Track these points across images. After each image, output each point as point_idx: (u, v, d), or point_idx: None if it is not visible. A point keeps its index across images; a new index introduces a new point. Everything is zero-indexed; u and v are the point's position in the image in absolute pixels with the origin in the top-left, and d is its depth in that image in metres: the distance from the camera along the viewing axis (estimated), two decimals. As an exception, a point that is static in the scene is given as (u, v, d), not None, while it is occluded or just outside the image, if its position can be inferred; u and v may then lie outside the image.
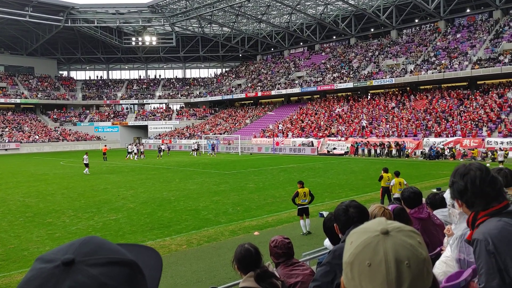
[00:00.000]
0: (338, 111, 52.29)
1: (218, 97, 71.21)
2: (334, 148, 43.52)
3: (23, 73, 75.71)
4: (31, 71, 77.20)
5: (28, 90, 71.39)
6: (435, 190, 13.81)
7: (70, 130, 68.81)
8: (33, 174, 28.82)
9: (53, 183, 23.69)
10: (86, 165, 28.29)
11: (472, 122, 38.36)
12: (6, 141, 59.89)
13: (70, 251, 0.74)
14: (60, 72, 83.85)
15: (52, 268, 0.71)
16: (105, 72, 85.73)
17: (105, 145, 44.61)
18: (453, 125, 39.37)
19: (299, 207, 11.67)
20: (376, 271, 0.89)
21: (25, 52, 76.90)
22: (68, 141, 64.73)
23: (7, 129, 63.18)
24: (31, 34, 70.95)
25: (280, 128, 53.88)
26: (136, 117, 74.35)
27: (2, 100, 66.88)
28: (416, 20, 58.63)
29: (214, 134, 59.31)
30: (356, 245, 0.93)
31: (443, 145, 36.47)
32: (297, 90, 59.79)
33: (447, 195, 2.77)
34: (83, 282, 0.69)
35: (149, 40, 72.23)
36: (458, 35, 51.17)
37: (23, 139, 61.23)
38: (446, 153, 35.47)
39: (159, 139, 65.20)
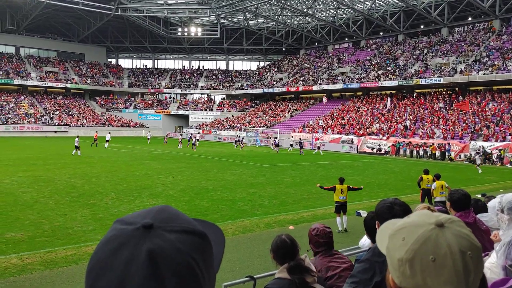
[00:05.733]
0: (385, 107, 50.80)
1: (259, 90, 71.34)
2: (373, 148, 42.66)
3: (74, 59, 78.97)
4: (82, 58, 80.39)
5: (78, 76, 74.42)
6: (479, 196, 13.25)
7: (115, 116, 71.26)
8: (79, 156, 30.09)
9: (97, 166, 24.65)
10: (77, 147, 30.66)
11: (524, 127, 36.44)
12: (56, 123, 62.79)
13: (149, 217, 0.80)
14: (109, 59, 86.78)
15: (133, 230, 0.77)
16: (150, 61, 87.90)
17: (96, 132, 46.95)
18: (503, 129, 37.54)
19: (337, 204, 11.55)
20: (442, 265, 0.85)
21: (77, 39, 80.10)
22: (113, 126, 67.07)
23: (57, 112, 66.21)
24: (83, 21, 73.77)
25: (320, 124, 53.36)
26: (178, 107, 75.88)
27: (54, 84, 70.11)
28: (470, 18, 56.10)
29: (253, 127, 59.60)
30: (412, 240, 0.88)
31: (490, 149, 34.89)
32: (339, 86, 58.88)
33: (492, 203, 2.66)
34: (161, 245, 0.75)
35: (195, 31, 73.30)
36: (514, 35, 48.60)
37: (71, 123, 63.99)
38: (494, 158, 33.95)
39: (200, 129, 66.28)
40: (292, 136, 45.01)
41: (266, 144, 50.99)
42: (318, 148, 40.10)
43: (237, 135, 50.96)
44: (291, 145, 42.91)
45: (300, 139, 42.73)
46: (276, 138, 44.25)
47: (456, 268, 0.84)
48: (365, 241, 4.32)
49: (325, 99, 59.45)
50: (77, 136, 32.05)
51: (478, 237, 3.52)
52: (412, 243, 0.88)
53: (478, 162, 28.54)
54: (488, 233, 3.37)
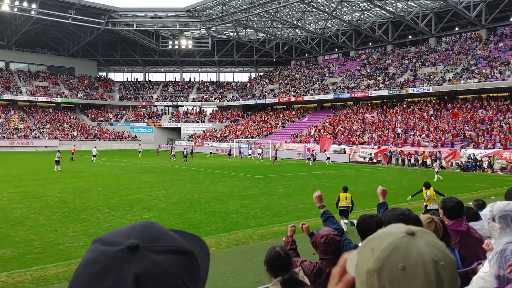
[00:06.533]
0: (367, 118, 51.52)
1: (251, 101, 71.55)
2: (365, 157, 42.88)
3: (64, 73, 78.67)
4: (72, 72, 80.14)
5: (68, 90, 74.09)
6: (471, 203, 13.34)
7: (107, 129, 70.87)
8: (70, 171, 29.82)
9: (88, 180, 24.43)
10: (57, 162, 30.27)
11: (513, 134, 36.87)
12: (46, 138, 62.28)
13: (133, 236, 0.74)
14: (100, 73, 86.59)
15: (116, 252, 0.71)
16: (142, 74, 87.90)
17: (74, 145, 46.40)
18: (492, 136, 37.98)
19: (340, 209, 12.73)
20: (412, 274, 0.78)
21: (67, 53, 79.92)
22: (104, 140, 66.67)
23: (48, 126, 65.71)
24: (73, 36, 73.69)
25: (312, 134, 53.54)
26: (170, 119, 75.77)
27: (44, 99, 69.67)
28: (457, 28, 56.99)
29: (246, 137, 59.60)
30: (381, 249, 0.82)
31: (480, 156, 35.24)
32: (330, 96, 59.28)
33: (485, 212, 2.66)
34: (148, 268, 0.70)
35: (185, 43, 73.55)
36: (501, 44, 49.37)
37: (62, 137, 63.51)
38: (484, 165, 34.26)
39: (192, 141, 66.13)
40: (313, 150, 42.65)
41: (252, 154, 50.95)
42: (328, 158, 39.16)
43: (257, 147, 50.61)
44: (309, 159, 39.68)
45: (313, 151, 41.15)
46: (276, 150, 44.20)
47: (428, 278, 0.78)
48: None
49: (306, 118, 60.62)
50: (58, 151, 31.64)
51: (471, 245, 3.53)
52: (381, 251, 0.82)
53: (436, 169, 27.92)
54: (481, 241, 3.37)
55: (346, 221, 12.64)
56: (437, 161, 33.09)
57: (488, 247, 2.67)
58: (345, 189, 13.20)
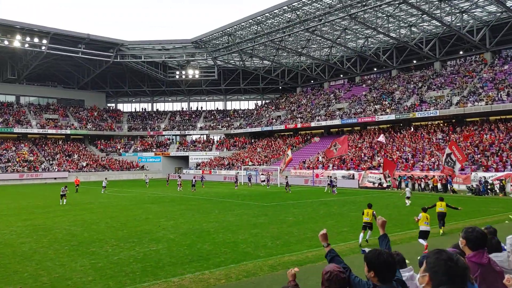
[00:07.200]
0: (381, 140, 51.16)
1: (258, 129, 71.83)
2: (374, 182, 42.46)
3: (74, 105, 79.93)
4: (82, 104, 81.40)
5: (78, 122, 75.04)
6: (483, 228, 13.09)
7: (116, 160, 71.24)
8: (79, 203, 29.81)
9: (97, 212, 24.37)
10: (62, 196, 29.00)
11: (524, 156, 36.40)
12: (56, 170, 62.67)
13: None
14: (108, 104, 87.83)
15: None
16: (149, 104, 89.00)
17: (77, 177, 46.25)
18: (503, 159, 37.53)
19: (363, 223, 14.70)
20: None
21: (76, 85, 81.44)
22: (113, 170, 66.91)
23: (57, 157, 66.24)
24: (83, 69, 75.28)
25: (320, 160, 53.33)
26: (177, 148, 76.10)
27: (54, 131, 70.54)
28: (461, 52, 57.31)
29: (253, 164, 59.52)
30: None
31: (492, 180, 34.73)
32: (337, 121, 59.37)
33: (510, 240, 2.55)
34: None
35: (192, 73, 74.69)
36: (506, 67, 49.47)
37: (71, 169, 63.89)
38: (496, 188, 33.71)
39: (200, 169, 66.14)
40: (329, 176, 40.67)
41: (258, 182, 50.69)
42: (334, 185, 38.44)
43: (266, 174, 50.09)
44: (331, 185, 37.50)
45: (330, 177, 39.88)
46: (286, 176, 43.95)
47: None
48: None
49: (317, 139, 60.37)
50: (65, 186, 30.82)
51: (492, 279, 3.39)
52: None
53: (408, 194, 26.85)
54: (502, 275, 3.23)
55: (367, 235, 14.51)
56: (421, 186, 32.49)
57: (509, 282, 2.56)
58: (369, 206, 14.94)
